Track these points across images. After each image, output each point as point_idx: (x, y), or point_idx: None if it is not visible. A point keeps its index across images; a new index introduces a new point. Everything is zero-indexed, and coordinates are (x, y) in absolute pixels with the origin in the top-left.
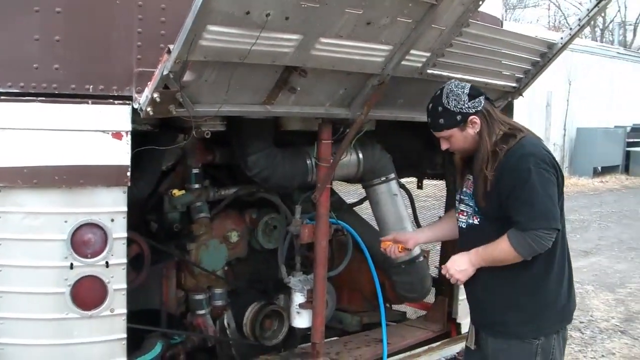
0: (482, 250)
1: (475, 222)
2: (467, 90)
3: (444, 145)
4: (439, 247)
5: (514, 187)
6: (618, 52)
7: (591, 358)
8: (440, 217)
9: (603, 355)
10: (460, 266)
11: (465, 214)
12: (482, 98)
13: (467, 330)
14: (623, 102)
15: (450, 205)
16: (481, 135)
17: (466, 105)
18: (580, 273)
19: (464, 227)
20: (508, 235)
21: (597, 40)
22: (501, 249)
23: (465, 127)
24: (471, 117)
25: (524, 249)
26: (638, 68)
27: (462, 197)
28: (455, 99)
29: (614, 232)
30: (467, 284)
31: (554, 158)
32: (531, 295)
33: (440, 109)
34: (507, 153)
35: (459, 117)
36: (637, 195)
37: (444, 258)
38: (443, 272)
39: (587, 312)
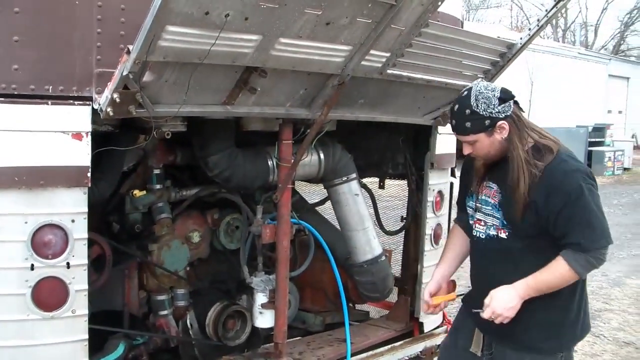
0: (533, 281)
1: (502, 235)
2: (497, 94)
3: (467, 150)
4: (402, 247)
5: (564, 205)
6: (579, 53)
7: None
8: (447, 241)
9: None
10: (509, 303)
11: (484, 224)
12: (512, 102)
13: (430, 329)
14: (585, 102)
15: (412, 204)
16: (511, 141)
17: (496, 110)
18: None
19: (483, 238)
20: (566, 259)
21: (559, 41)
22: (560, 275)
23: (492, 132)
24: (500, 122)
25: (586, 270)
26: (599, 68)
27: (479, 204)
28: (485, 102)
29: None
30: (485, 290)
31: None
32: (559, 313)
33: (468, 111)
34: (547, 169)
35: (487, 122)
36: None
37: (407, 257)
38: (485, 315)
39: None
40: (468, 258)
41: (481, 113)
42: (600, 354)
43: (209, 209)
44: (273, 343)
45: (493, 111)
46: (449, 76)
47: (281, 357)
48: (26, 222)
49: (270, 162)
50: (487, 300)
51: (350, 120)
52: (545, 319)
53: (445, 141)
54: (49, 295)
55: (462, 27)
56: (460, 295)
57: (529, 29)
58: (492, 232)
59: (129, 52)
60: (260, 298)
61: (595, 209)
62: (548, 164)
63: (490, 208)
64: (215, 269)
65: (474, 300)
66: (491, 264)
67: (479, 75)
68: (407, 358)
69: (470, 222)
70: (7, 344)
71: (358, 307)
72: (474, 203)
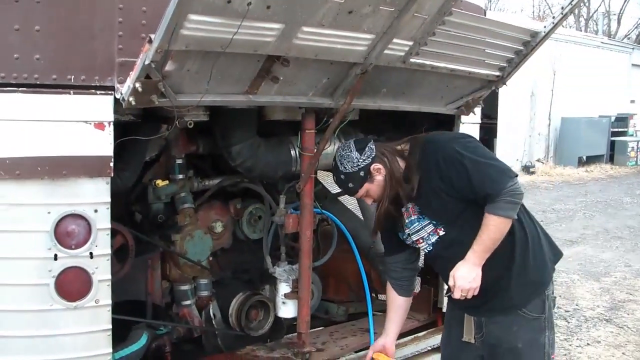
0: (477, 246)
1: (441, 232)
2: (353, 147)
3: (369, 201)
4: None
5: (456, 174)
6: (602, 42)
7: (577, 346)
8: (388, 302)
9: (588, 344)
10: (469, 275)
11: (423, 238)
12: (370, 144)
13: None
14: (607, 92)
15: None
16: (391, 171)
17: (361, 160)
18: (565, 262)
19: (431, 248)
20: (490, 212)
21: (581, 30)
22: (495, 227)
23: (372, 178)
24: (371, 166)
25: (512, 209)
26: (622, 58)
27: (407, 230)
28: (348, 161)
29: (598, 222)
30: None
31: None
32: (523, 259)
33: (342, 177)
34: (424, 158)
35: (361, 173)
36: (621, 185)
37: None
38: (456, 295)
39: (572, 301)
40: None
41: (351, 171)
42: (624, 345)
43: (232, 199)
44: (296, 333)
45: (359, 164)
46: (472, 65)
47: (304, 347)
48: (49, 212)
49: (292, 152)
50: (450, 282)
51: (373, 109)
52: (513, 271)
53: (468, 130)
54: (72, 285)
55: (485, 15)
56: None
57: (553, 17)
58: (433, 238)
59: (150, 41)
60: (283, 288)
61: (480, 159)
62: (421, 153)
63: (417, 224)
64: (238, 259)
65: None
66: (449, 261)
67: (502, 64)
68: (430, 348)
69: (413, 246)
70: (31, 334)
71: (381, 297)
72: (405, 233)
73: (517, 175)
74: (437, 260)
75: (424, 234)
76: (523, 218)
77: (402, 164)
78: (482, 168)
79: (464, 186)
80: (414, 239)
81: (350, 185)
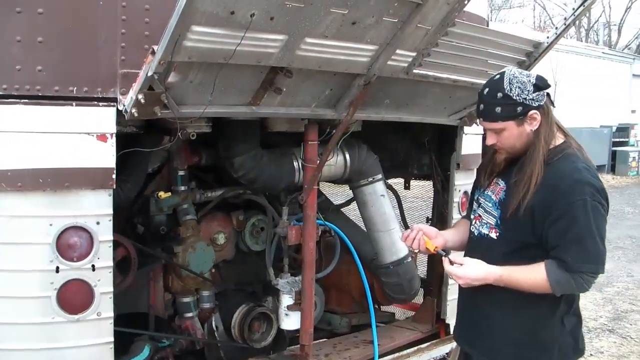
0: (506, 272)
1: (493, 235)
2: (533, 80)
3: (491, 140)
4: None
5: (563, 215)
6: (603, 52)
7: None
8: (457, 223)
9: (592, 354)
10: (477, 275)
11: (480, 220)
12: (546, 92)
13: None
14: (608, 102)
15: (438, 205)
16: (538, 136)
17: (530, 97)
18: None
19: (476, 234)
20: (547, 269)
21: (582, 41)
22: (534, 280)
23: (523, 121)
24: (532, 111)
25: (562, 288)
26: (623, 68)
27: (482, 199)
28: (519, 87)
29: None
30: (467, 300)
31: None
32: (531, 334)
33: (500, 95)
34: (558, 173)
35: (519, 109)
36: (623, 195)
37: (433, 258)
38: (452, 269)
39: None
40: None
41: (514, 98)
42: (627, 356)
43: (234, 211)
44: (299, 345)
45: (527, 97)
46: (475, 76)
47: (307, 359)
48: (51, 225)
49: (295, 163)
50: (461, 260)
51: (376, 120)
52: (517, 337)
53: (471, 141)
54: (74, 298)
55: (487, 26)
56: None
57: (556, 28)
58: (485, 230)
59: (153, 53)
60: (286, 300)
61: (594, 230)
62: (560, 168)
63: (490, 205)
64: (241, 271)
65: (460, 296)
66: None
67: None
68: (433, 359)
69: (472, 217)
70: (33, 347)
71: (384, 308)
72: (479, 197)
73: (601, 272)
74: (470, 253)
75: (484, 218)
76: (566, 304)
77: (556, 142)
78: (587, 237)
79: (555, 229)
80: (477, 213)
81: (498, 110)
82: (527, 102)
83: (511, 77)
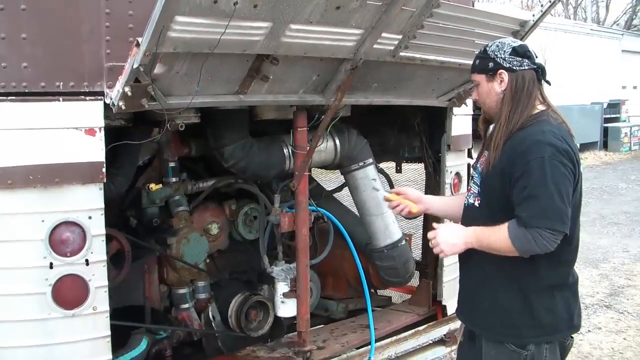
0: (479, 231)
1: (476, 203)
2: (514, 44)
3: (474, 95)
4: (421, 231)
5: (522, 174)
6: (592, 29)
7: (577, 333)
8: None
9: (589, 330)
10: (451, 239)
11: (470, 191)
12: (527, 62)
13: (452, 312)
14: (599, 79)
15: (430, 187)
16: (505, 100)
17: (503, 57)
18: None
19: (465, 205)
20: (508, 226)
21: (570, 18)
22: (499, 238)
23: (492, 78)
24: (501, 70)
25: (522, 245)
26: (612, 44)
27: (474, 172)
28: (498, 45)
29: (594, 208)
30: (463, 277)
31: (574, 149)
32: (521, 302)
33: (482, 50)
34: (522, 134)
35: (490, 64)
36: (616, 171)
37: (428, 240)
38: (430, 235)
39: None
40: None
41: (489, 53)
42: (625, 330)
43: (226, 200)
44: (296, 332)
45: (499, 56)
46: (462, 56)
47: (305, 345)
48: (43, 221)
49: (285, 150)
50: (436, 226)
51: (364, 104)
52: (504, 306)
53: (460, 122)
54: (69, 293)
55: (473, 6)
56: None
57: (541, 6)
58: (471, 200)
59: (138, 45)
60: (282, 287)
61: (550, 187)
62: (527, 132)
63: (477, 176)
64: (235, 260)
65: (459, 274)
66: None
67: None
68: (431, 342)
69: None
70: (29, 344)
71: (380, 292)
72: (473, 171)
73: (564, 234)
74: (463, 220)
75: (473, 189)
76: (554, 270)
77: (522, 115)
78: (542, 193)
79: (517, 187)
80: (469, 185)
81: (477, 62)
82: (498, 60)
83: (499, 40)
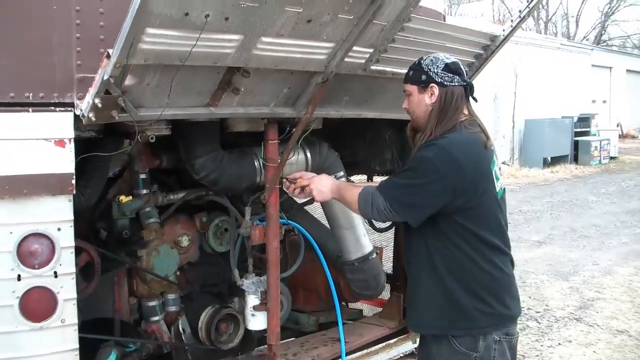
0: (343, 186)
1: None
2: (448, 61)
3: (405, 104)
4: (392, 244)
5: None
6: (562, 44)
7: (548, 347)
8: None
9: (560, 343)
10: (322, 188)
11: None
12: (458, 79)
13: None
14: (569, 93)
15: None
16: (432, 113)
17: (436, 71)
18: (534, 263)
19: None
20: (363, 187)
21: (541, 33)
22: (352, 194)
23: (424, 91)
24: (433, 84)
25: (364, 203)
26: (582, 59)
27: None
28: (432, 60)
29: (565, 222)
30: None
31: (472, 157)
32: (441, 292)
33: (416, 62)
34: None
35: (423, 77)
36: (586, 184)
37: (398, 254)
38: (305, 182)
39: (542, 302)
40: None
41: (422, 66)
42: (595, 343)
43: (197, 212)
44: (267, 345)
45: (432, 70)
46: None
47: (275, 358)
48: (11, 233)
49: (256, 163)
50: (310, 174)
51: (335, 117)
52: (432, 299)
53: None
54: (37, 306)
55: (444, 21)
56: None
57: (511, 21)
58: None
59: (109, 56)
60: (252, 300)
61: (412, 177)
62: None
63: None
64: (206, 273)
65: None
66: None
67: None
68: (402, 355)
69: None
70: None
71: (351, 305)
72: None
73: (390, 213)
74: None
75: None
76: (460, 266)
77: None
78: (402, 175)
79: None
80: None
81: (410, 73)
82: (431, 74)
83: (435, 54)
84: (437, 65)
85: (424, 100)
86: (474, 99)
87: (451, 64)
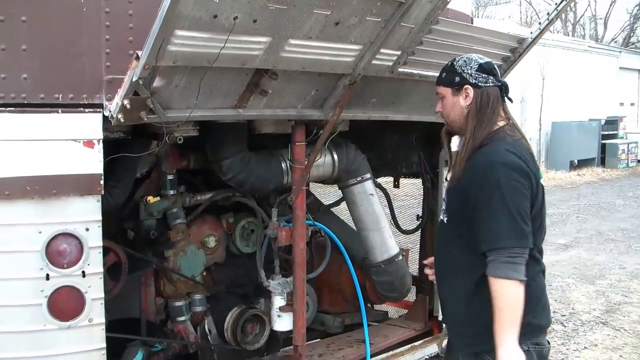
0: (497, 327)
1: (445, 219)
2: (481, 61)
3: (438, 107)
4: (418, 246)
5: (480, 198)
6: (590, 46)
7: (574, 350)
8: None
9: (585, 347)
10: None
11: (442, 208)
12: (492, 80)
13: None
14: (596, 95)
15: (428, 202)
16: (468, 116)
17: (470, 72)
18: (560, 266)
19: (438, 222)
20: (487, 273)
21: (568, 35)
22: (501, 296)
23: (458, 93)
24: (467, 86)
25: (504, 274)
26: (610, 61)
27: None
28: (465, 61)
29: (592, 225)
30: (437, 274)
31: (530, 165)
32: (479, 306)
33: (449, 64)
34: (479, 148)
35: (457, 79)
36: (613, 187)
37: (424, 256)
38: None
39: (568, 305)
40: None
41: (456, 67)
42: (621, 347)
43: (224, 213)
44: (292, 346)
45: (466, 71)
46: None
47: (301, 359)
48: (40, 232)
49: (283, 164)
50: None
51: (363, 120)
52: (469, 312)
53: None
54: (65, 305)
55: (471, 23)
56: None
57: (539, 24)
58: (441, 216)
59: (138, 58)
60: (278, 301)
61: (508, 207)
62: (483, 152)
63: (445, 193)
64: (232, 273)
65: (437, 283)
66: (438, 249)
67: None
68: (427, 357)
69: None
70: (24, 355)
71: (377, 307)
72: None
73: (522, 245)
74: (436, 238)
75: (443, 205)
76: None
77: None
78: (503, 215)
79: (475, 210)
80: (442, 200)
81: (443, 75)
82: (465, 76)
83: (467, 55)
84: (471, 66)
85: (459, 103)
86: (509, 99)
87: (485, 64)
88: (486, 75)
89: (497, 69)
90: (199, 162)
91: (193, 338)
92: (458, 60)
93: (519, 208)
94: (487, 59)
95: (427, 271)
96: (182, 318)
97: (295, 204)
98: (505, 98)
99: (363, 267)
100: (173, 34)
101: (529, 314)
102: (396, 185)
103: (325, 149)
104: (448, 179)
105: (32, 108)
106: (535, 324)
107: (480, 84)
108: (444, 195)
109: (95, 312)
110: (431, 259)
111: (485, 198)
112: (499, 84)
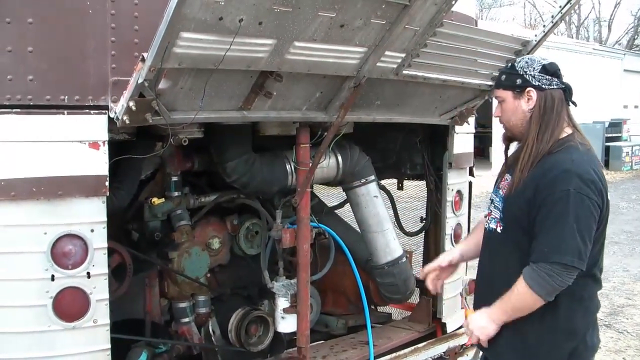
0: (499, 303)
1: (498, 229)
2: (544, 62)
3: (497, 112)
4: (422, 247)
5: (546, 204)
6: (594, 49)
7: None
8: (474, 227)
9: None
10: (480, 324)
11: (490, 216)
12: (557, 82)
13: (453, 329)
14: (600, 98)
15: (432, 204)
16: (532, 120)
17: (532, 73)
18: None
19: (486, 230)
20: (524, 275)
21: (573, 37)
22: (518, 293)
23: (520, 96)
24: (530, 88)
25: (541, 285)
26: (614, 63)
27: (494, 195)
28: (527, 62)
29: None
30: (481, 284)
31: (602, 179)
32: (532, 334)
33: (509, 65)
34: (550, 160)
35: (518, 81)
36: (617, 190)
37: (428, 258)
38: (463, 330)
39: None
40: None
41: (517, 69)
42: (624, 350)
43: (228, 215)
44: (296, 347)
45: (528, 73)
46: (464, 75)
47: None
48: (45, 233)
49: (288, 166)
50: (466, 322)
51: (367, 122)
52: (517, 340)
53: (462, 140)
54: (70, 306)
55: (476, 26)
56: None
57: (544, 26)
58: (493, 225)
59: (143, 60)
60: (282, 303)
61: (571, 222)
62: (555, 158)
63: (498, 200)
64: (236, 275)
65: (478, 295)
66: (486, 259)
67: (494, 74)
68: (430, 359)
69: (485, 215)
70: (29, 356)
71: (380, 309)
72: (493, 195)
73: (575, 265)
74: (482, 248)
75: (494, 213)
76: (572, 302)
77: (552, 137)
78: (565, 227)
79: (539, 216)
80: (490, 209)
81: (503, 77)
82: (527, 77)
83: (528, 56)
84: (534, 67)
85: (521, 107)
86: (574, 103)
87: (548, 65)
88: (550, 77)
89: (560, 70)
90: (204, 164)
91: (197, 339)
92: (519, 62)
93: (582, 225)
94: (550, 60)
95: (429, 284)
96: (186, 319)
97: (300, 206)
98: (570, 102)
99: (367, 269)
100: (179, 36)
101: (587, 333)
102: (400, 187)
103: (330, 151)
104: (502, 187)
105: (38, 109)
106: (589, 345)
107: (544, 86)
108: (495, 203)
109: (99, 313)
110: (432, 267)
111: (551, 205)
112: (563, 86)
